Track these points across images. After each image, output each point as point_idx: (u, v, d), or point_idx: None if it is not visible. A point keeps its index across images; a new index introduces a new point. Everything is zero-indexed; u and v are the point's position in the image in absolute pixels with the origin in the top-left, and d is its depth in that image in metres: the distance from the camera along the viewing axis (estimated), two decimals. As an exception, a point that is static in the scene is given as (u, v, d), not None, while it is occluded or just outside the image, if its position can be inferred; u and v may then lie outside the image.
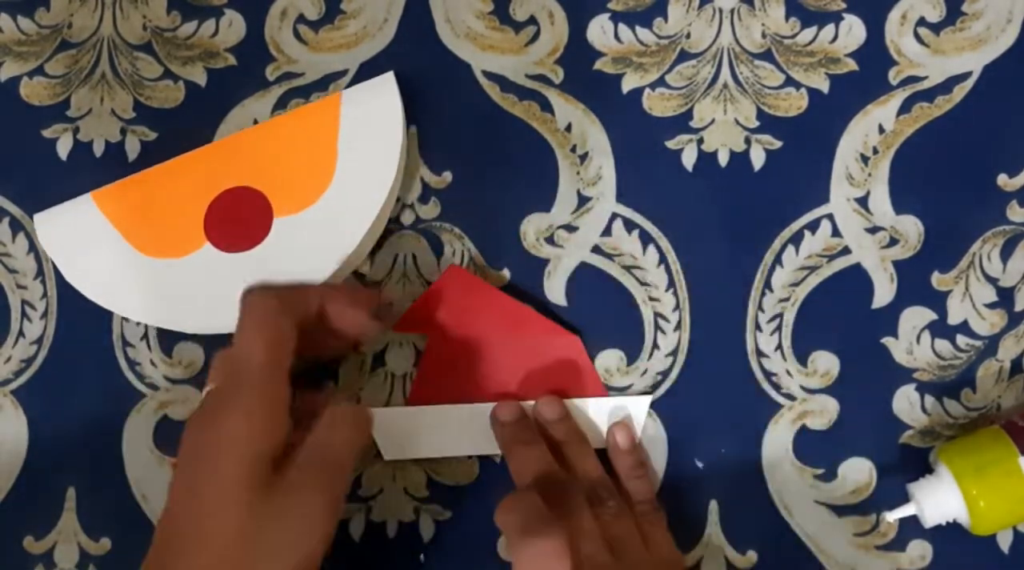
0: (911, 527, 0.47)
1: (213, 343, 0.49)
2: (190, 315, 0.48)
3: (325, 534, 0.40)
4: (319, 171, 0.48)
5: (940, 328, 0.49)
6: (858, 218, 0.49)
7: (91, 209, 0.49)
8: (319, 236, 0.47)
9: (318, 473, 0.40)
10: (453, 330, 0.49)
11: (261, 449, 0.39)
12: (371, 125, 0.49)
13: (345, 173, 0.48)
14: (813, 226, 0.49)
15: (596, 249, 0.50)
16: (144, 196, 0.49)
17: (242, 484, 0.39)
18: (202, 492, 0.39)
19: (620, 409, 0.48)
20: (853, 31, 0.50)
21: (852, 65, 0.50)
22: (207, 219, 0.48)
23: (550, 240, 0.50)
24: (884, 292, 0.49)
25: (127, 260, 0.48)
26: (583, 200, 0.50)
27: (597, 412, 0.48)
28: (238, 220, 0.48)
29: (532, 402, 0.48)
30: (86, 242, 0.49)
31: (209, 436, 0.40)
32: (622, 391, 0.49)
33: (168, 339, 0.50)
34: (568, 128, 0.50)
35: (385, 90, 0.49)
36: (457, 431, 0.48)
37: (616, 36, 0.51)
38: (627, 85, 0.50)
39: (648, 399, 0.48)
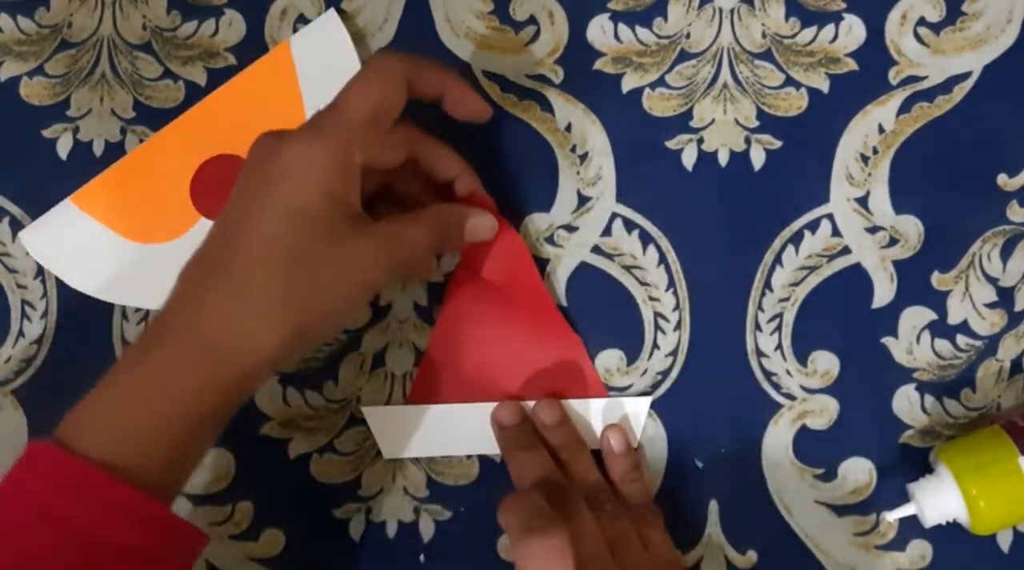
0: (911, 527, 0.47)
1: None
2: None
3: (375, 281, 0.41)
4: (289, 117, 0.48)
5: (940, 328, 0.49)
6: (858, 218, 0.49)
7: (74, 213, 0.49)
8: None
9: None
10: (474, 290, 0.49)
11: (327, 190, 0.39)
12: (327, 62, 0.49)
13: (314, 111, 0.48)
14: (813, 226, 0.49)
15: (596, 249, 0.50)
16: (124, 187, 0.49)
17: (304, 218, 0.39)
18: (257, 217, 0.39)
19: (620, 410, 0.48)
20: (853, 31, 0.50)
21: (852, 65, 0.50)
22: (193, 194, 0.48)
23: (550, 240, 0.50)
24: (884, 292, 0.49)
25: (124, 253, 0.48)
26: (583, 200, 0.50)
27: (597, 413, 0.48)
28: (226, 188, 0.48)
29: (532, 402, 0.48)
30: (78, 246, 0.48)
31: (274, 166, 0.39)
32: (622, 391, 0.49)
33: (168, 339, 0.50)
34: (568, 128, 0.50)
35: (330, 26, 0.49)
36: (457, 431, 0.48)
37: (616, 36, 0.51)
38: (627, 85, 0.50)
39: (648, 400, 0.48)
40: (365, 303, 0.40)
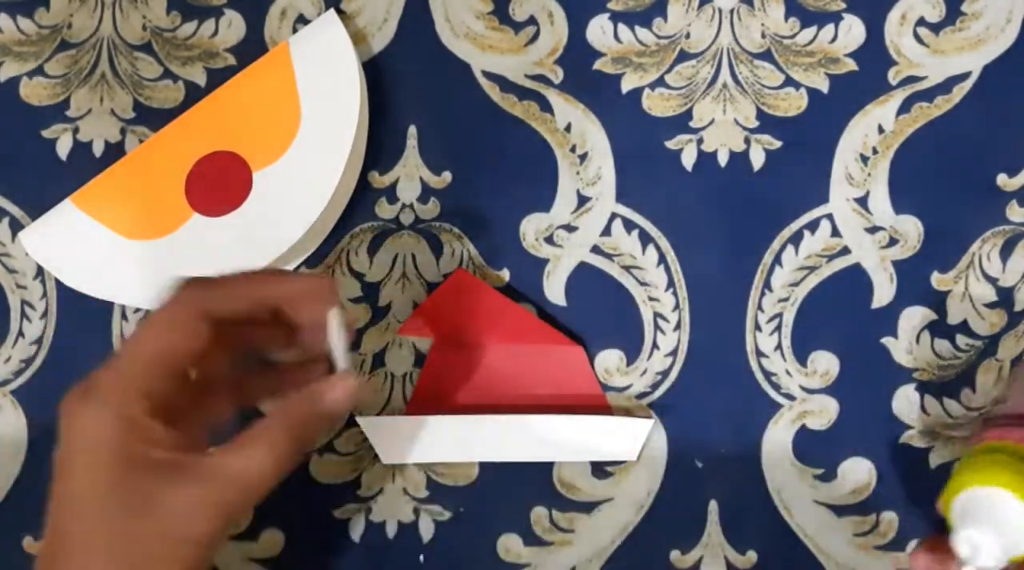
0: (911, 526, 0.47)
1: (213, 343, 0.49)
2: None
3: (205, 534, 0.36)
4: (286, 117, 0.49)
5: (940, 328, 0.49)
6: (858, 218, 0.49)
7: (74, 213, 0.49)
8: (301, 178, 0.48)
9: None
10: (457, 335, 0.48)
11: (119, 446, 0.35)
12: (325, 61, 0.49)
13: (312, 112, 0.48)
14: (813, 226, 0.49)
15: (596, 249, 0.50)
16: (122, 186, 0.49)
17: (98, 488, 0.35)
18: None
19: (620, 429, 0.48)
20: (853, 31, 0.50)
21: (852, 65, 0.50)
22: (188, 190, 0.48)
23: (550, 240, 0.50)
24: (884, 292, 0.49)
25: (122, 251, 0.48)
26: (583, 200, 0.50)
27: (597, 431, 0.48)
28: (219, 184, 0.48)
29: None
30: (77, 246, 0.48)
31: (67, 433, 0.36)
32: (622, 391, 0.49)
33: (168, 339, 0.50)
34: (568, 128, 0.50)
35: (330, 26, 0.50)
36: (457, 441, 0.48)
37: (616, 36, 0.51)
38: (627, 85, 0.50)
39: (650, 423, 0.48)
40: (205, 559, 0.36)
